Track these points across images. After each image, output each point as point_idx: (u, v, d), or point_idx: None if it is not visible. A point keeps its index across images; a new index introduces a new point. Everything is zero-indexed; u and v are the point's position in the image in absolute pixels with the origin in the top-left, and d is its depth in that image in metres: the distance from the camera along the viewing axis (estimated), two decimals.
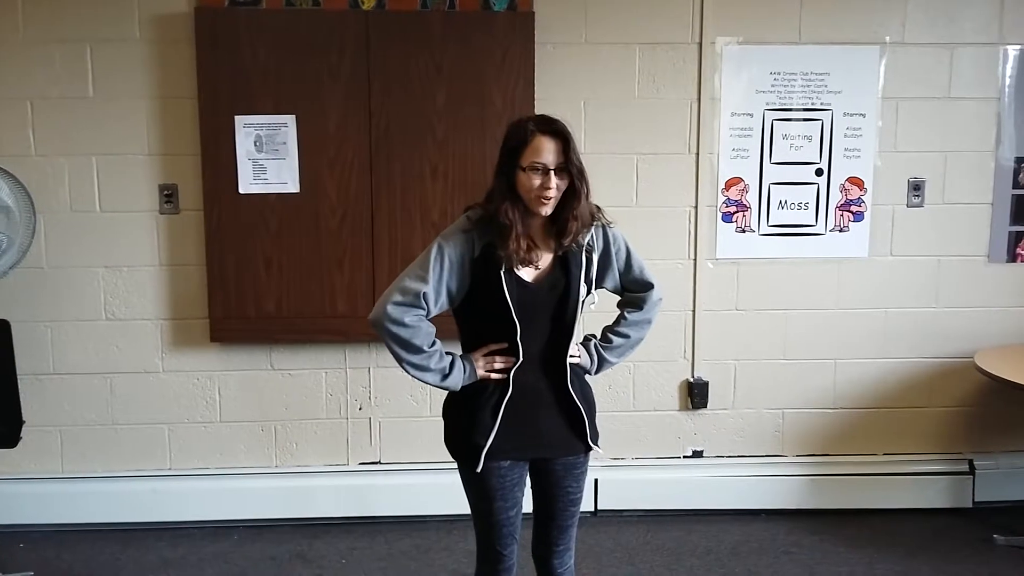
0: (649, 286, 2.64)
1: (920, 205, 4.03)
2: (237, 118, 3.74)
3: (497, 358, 2.49)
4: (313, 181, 3.79)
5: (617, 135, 3.91)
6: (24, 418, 3.47)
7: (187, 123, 3.79)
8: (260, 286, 3.84)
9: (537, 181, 2.38)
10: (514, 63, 3.76)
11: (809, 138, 3.96)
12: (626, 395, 4.06)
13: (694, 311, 4.05)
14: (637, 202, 3.96)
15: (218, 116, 3.74)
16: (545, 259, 2.50)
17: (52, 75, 3.76)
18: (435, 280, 2.44)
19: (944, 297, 4.09)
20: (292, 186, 3.79)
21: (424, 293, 2.43)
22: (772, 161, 3.97)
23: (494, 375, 2.49)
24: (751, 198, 3.99)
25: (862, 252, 4.04)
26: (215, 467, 4.03)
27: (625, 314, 2.66)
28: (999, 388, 3.86)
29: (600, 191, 3.90)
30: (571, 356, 2.53)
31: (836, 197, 4.00)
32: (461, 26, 3.74)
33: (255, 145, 3.76)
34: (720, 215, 4.00)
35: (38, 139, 3.79)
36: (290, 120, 3.76)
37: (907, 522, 4.06)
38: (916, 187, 4.02)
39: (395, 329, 2.47)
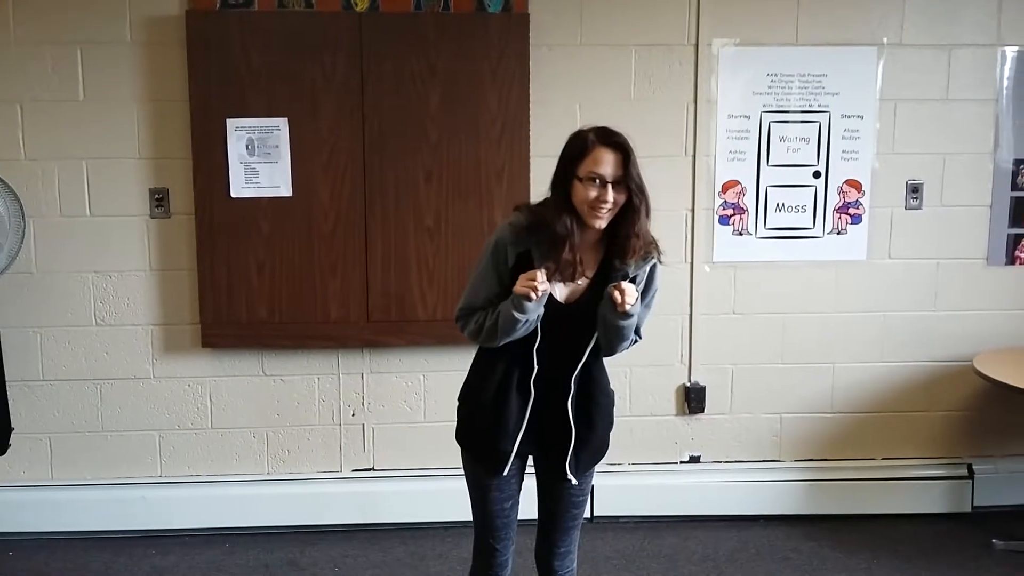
0: (638, 333, 2.57)
1: (918, 207, 4.01)
2: (229, 121, 3.70)
3: (536, 276, 2.34)
4: (306, 185, 3.76)
5: None
6: (13, 425, 3.45)
7: (178, 126, 3.75)
8: (252, 291, 3.80)
9: (594, 193, 2.34)
10: (509, 65, 3.73)
11: (807, 140, 3.93)
12: (622, 400, 4.03)
13: (691, 315, 4.02)
14: None
15: (210, 119, 3.70)
16: (583, 280, 2.47)
17: (42, 78, 3.72)
18: (485, 294, 2.48)
19: (943, 300, 4.07)
20: (284, 190, 3.75)
21: (475, 307, 2.50)
22: (769, 163, 3.95)
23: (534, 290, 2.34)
24: (748, 201, 3.96)
25: (860, 255, 4.02)
26: (207, 474, 3.99)
27: None
28: (998, 392, 3.84)
29: None
30: (628, 304, 2.37)
31: (834, 200, 3.98)
32: (455, 28, 3.71)
33: (247, 148, 3.72)
34: (717, 218, 3.97)
35: (28, 142, 3.75)
36: (282, 123, 3.72)
37: (906, 527, 4.04)
38: (914, 189, 4.00)
39: (468, 334, 2.53)
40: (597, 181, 2.34)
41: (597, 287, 2.45)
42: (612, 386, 2.66)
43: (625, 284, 2.37)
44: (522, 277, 2.35)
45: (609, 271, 2.45)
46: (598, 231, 2.41)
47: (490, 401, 2.52)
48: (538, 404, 2.50)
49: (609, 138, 2.38)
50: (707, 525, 4.05)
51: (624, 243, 2.41)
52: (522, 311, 2.35)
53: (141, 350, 3.90)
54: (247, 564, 3.75)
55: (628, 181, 2.36)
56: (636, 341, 2.57)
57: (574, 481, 2.57)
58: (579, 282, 2.46)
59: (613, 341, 2.48)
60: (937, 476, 4.15)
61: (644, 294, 2.50)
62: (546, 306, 2.41)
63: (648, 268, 2.49)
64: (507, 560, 2.67)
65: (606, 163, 2.35)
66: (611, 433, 2.67)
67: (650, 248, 2.47)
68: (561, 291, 2.46)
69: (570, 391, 2.50)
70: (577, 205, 2.37)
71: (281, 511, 3.99)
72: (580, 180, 2.36)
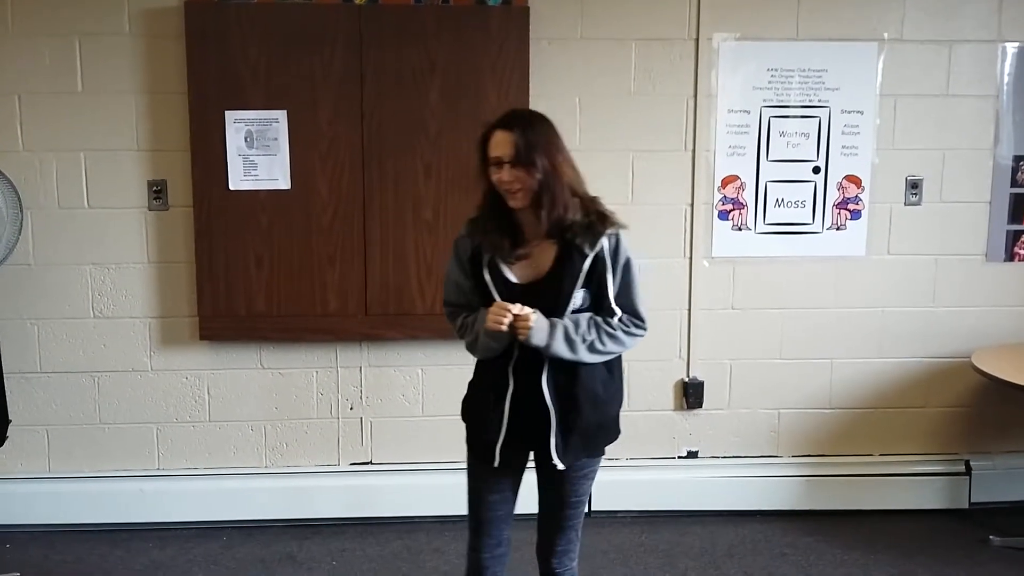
0: (638, 317, 2.53)
1: (918, 203, 4.01)
2: (227, 113, 3.69)
3: (506, 313, 2.39)
4: (304, 177, 3.75)
5: (612, 132, 3.88)
6: (11, 417, 3.44)
7: (177, 118, 3.74)
8: (250, 284, 3.79)
9: (496, 175, 2.43)
10: (509, 59, 3.72)
11: (806, 135, 3.93)
12: None
13: (689, 310, 4.01)
14: (632, 199, 3.92)
15: (208, 111, 3.69)
16: (545, 257, 2.47)
17: (41, 69, 3.71)
18: (455, 293, 2.60)
19: (941, 296, 4.07)
20: (283, 182, 3.75)
21: (452, 301, 2.63)
22: (769, 159, 3.94)
23: (494, 326, 2.41)
24: (747, 196, 3.96)
25: (859, 251, 4.01)
26: (204, 467, 3.98)
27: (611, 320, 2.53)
28: (996, 388, 3.84)
29: (595, 188, 3.89)
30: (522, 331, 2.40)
31: (833, 195, 3.97)
32: (455, 21, 3.70)
33: (246, 141, 3.71)
34: (716, 213, 3.96)
35: (26, 134, 3.74)
36: (281, 115, 3.71)
37: (903, 523, 4.04)
38: (914, 185, 3.99)
39: (455, 331, 2.64)
40: (496, 163, 2.42)
41: (559, 265, 2.45)
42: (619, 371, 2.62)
43: (498, 309, 2.39)
44: (495, 307, 2.40)
45: (569, 248, 2.45)
46: (532, 208, 2.44)
47: (478, 391, 2.60)
48: (520, 392, 2.50)
49: (503, 119, 2.46)
50: (704, 520, 4.05)
51: (544, 218, 2.43)
52: (495, 341, 2.45)
53: (139, 343, 3.89)
54: (245, 557, 3.75)
55: (522, 159, 2.38)
56: (633, 333, 2.51)
57: (560, 466, 2.50)
58: (537, 264, 2.47)
59: (594, 358, 2.48)
60: (934, 472, 4.15)
61: (613, 271, 2.47)
62: (506, 290, 2.46)
63: (608, 243, 2.46)
64: (496, 557, 2.67)
65: (499, 144, 2.42)
66: (616, 417, 2.61)
67: (594, 222, 2.46)
68: (520, 273, 2.48)
69: (540, 374, 2.47)
70: (499, 190, 2.45)
71: (279, 504, 3.98)
72: (490, 166, 2.45)
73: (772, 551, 3.81)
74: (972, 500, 4.15)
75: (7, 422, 3.42)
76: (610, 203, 3.88)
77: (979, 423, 4.16)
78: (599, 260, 2.45)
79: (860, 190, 3.98)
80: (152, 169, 3.79)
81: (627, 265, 2.50)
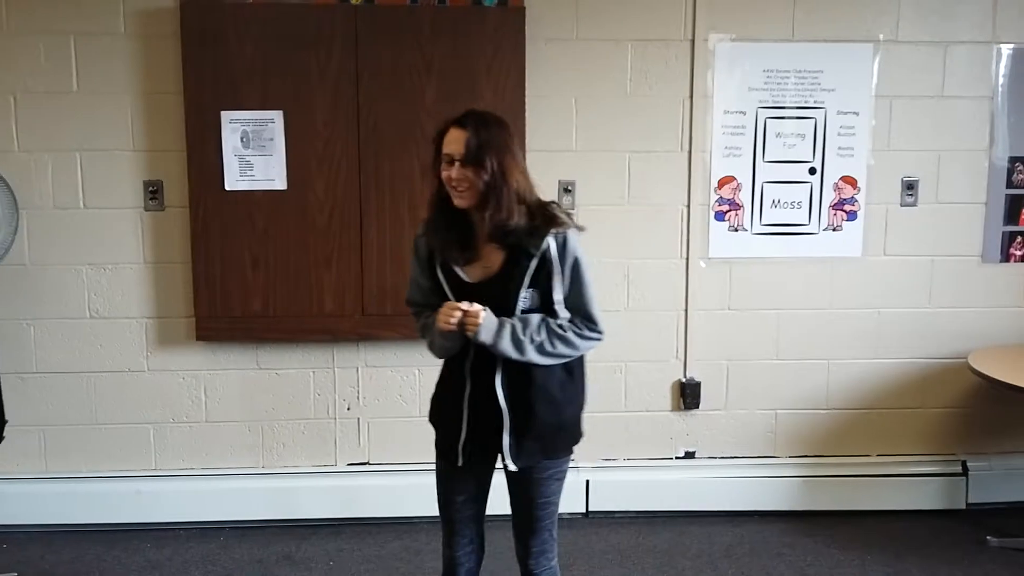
0: (591, 320, 2.50)
1: (914, 204, 4.01)
2: (223, 113, 3.69)
3: (456, 311, 2.40)
4: (301, 178, 3.75)
5: (609, 132, 3.88)
6: (7, 417, 3.44)
7: (173, 118, 3.74)
8: (246, 284, 3.79)
9: (445, 172, 2.43)
10: (505, 59, 3.72)
11: (802, 136, 3.93)
12: (617, 395, 4.03)
13: (686, 311, 4.02)
14: (629, 200, 3.93)
15: (204, 111, 3.69)
16: (495, 258, 2.47)
17: (36, 68, 3.70)
18: (416, 291, 2.62)
19: (937, 297, 4.07)
20: (279, 183, 3.74)
21: (415, 300, 2.64)
22: (765, 159, 3.94)
23: (444, 325, 2.42)
24: (744, 197, 3.96)
25: (855, 251, 4.02)
26: (201, 468, 3.98)
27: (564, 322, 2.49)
28: (992, 389, 3.84)
29: (591, 188, 3.93)
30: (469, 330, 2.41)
31: (829, 196, 3.97)
32: (451, 21, 3.70)
33: (242, 141, 3.71)
34: (713, 214, 3.96)
35: (21, 134, 3.74)
36: (277, 116, 3.71)
37: (900, 523, 4.04)
38: (910, 186, 4.00)
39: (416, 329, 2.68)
40: (447, 160, 2.42)
41: (507, 262, 2.45)
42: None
43: (448, 309, 2.40)
44: (445, 306, 2.41)
45: (515, 249, 2.44)
46: (479, 209, 2.43)
47: (440, 391, 2.65)
48: (478, 392, 2.50)
49: (459, 117, 2.45)
50: (702, 521, 4.05)
51: (489, 220, 2.42)
52: (447, 340, 2.47)
53: (135, 343, 3.89)
54: (241, 558, 3.74)
55: (472, 158, 2.37)
56: (587, 336, 2.48)
57: (512, 467, 2.49)
58: (488, 264, 2.46)
59: (546, 360, 2.46)
60: (931, 473, 4.15)
61: (561, 270, 2.44)
62: (457, 289, 2.47)
63: (555, 242, 2.43)
64: (461, 555, 2.68)
65: (453, 141, 2.41)
66: (577, 419, 2.59)
67: (538, 225, 2.43)
68: (472, 273, 2.48)
69: (494, 374, 2.47)
70: (447, 187, 2.45)
71: (276, 505, 3.98)
72: (442, 163, 2.45)
73: (769, 551, 3.81)
74: (969, 501, 4.15)
75: (4, 422, 3.41)
76: (606, 204, 3.94)
77: (976, 424, 4.16)
78: (546, 260, 2.43)
79: (856, 191, 3.98)
80: (148, 169, 3.79)
81: (576, 265, 2.46)
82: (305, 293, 3.81)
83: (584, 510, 4.05)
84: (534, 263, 2.43)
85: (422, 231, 2.56)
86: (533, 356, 2.43)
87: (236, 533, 3.93)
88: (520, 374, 2.46)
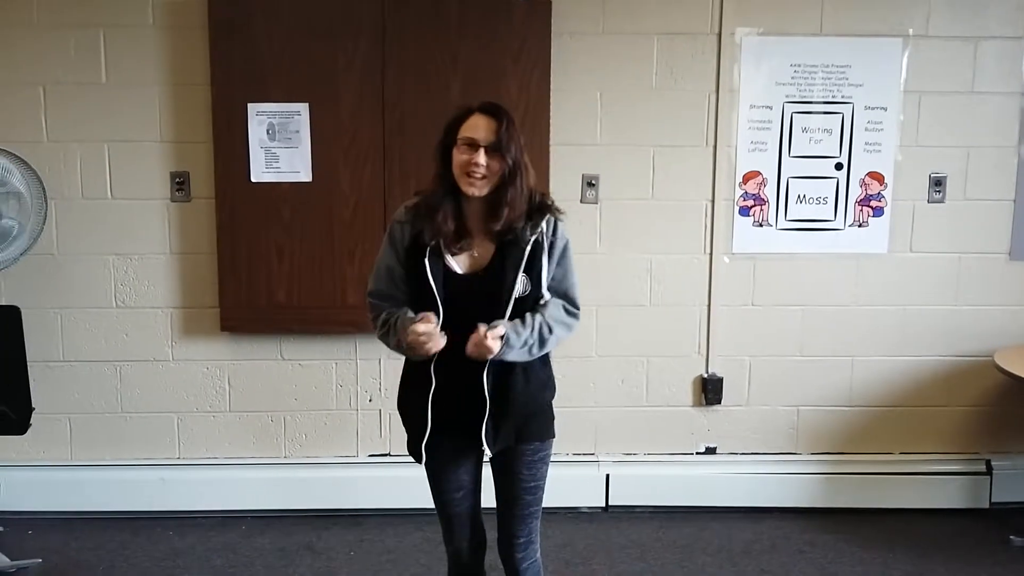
0: (573, 304, 2.52)
1: (941, 201, 3.98)
2: (250, 105, 3.71)
3: (420, 324, 2.34)
4: (326, 171, 3.76)
5: (634, 126, 3.87)
6: (34, 405, 3.47)
7: (200, 110, 3.76)
8: (271, 276, 3.81)
9: (465, 156, 2.38)
10: (531, 53, 3.71)
11: (829, 131, 3.90)
12: (639, 390, 4.02)
13: (709, 306, 4.00)
14: (653, 195, 3.91)
15: (231, 103, 3.71)
16: (484, 249, 2.46)
17: (65, 61, 3.73)
18: (385, 280, 2.51)
19: (964, 295, 4.04)
20: (305, 175, 3.76)
21: (383, 292, 2.52)
22: (791, 155, 3.92)
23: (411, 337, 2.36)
24: (769, 192, 3.94)
25: (881, 248, 3.99)
26: (224, 457, 4.01)
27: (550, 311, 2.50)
28: (1018, 387, 3.81)
29: (615, 182, 3.92)
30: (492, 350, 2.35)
31: (856, 192, 3.95)
32: (478, 15, 3.70)
33: (268, 133, 3.73)
34: (737, 209, 3.95)
35: (50, 125, 3.77)
36: (303, 108, 3.72)
37: (923, 522, 4.02)
38: (937, 183, 3.96)
39: (374, 326, 2.55)
40: (470, 145, 2.37)
41: (500, 252, 2.44)
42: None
43: (479, 335, 2.32)
44: (417, 326, 2.32)
45: (507, 238, 2.43)
46: (485, 201, 2.41)
47: (402, 390, 2.65)
48: (453, 380, 2.45)
49: (487, 106, 2.43)
50: (722, 516, 4.04)
51: (497, 212, 2.40)
52: (416, 357, 2.42)
53: (161, 333, 3.92)
54: (263, 547, 3.77)
55: (501, 148, 2.36)
56: (566, 322, 2.50)
57: (488, 452, 2.49)
58: (477, 253, 2.45)
59: (545, 350, 2.49)
60: (955, 472, 4.12)
61: (551, 254, 2.47)
62: (449, 280, 2.43)
63: (545, 227, 2.45)
64: (465, 549, 2.68)
65: (480, 128, 2.38)
66: (549, 403, 2.60)
67: (527, 214, 2.43)
68: (463, 263, 2.46)
69: (485, 363, 2.41)
70: (455, 172, 2.40)
71: (298, 495, 4.01)
72: (457, 146, 2.40)
73: (790, 548, 3.80)
74: (993, 500, 4.12)
75: (30, 410, 3.44)
76: (630, 198, 3.93)
77: (1001, 422, 4.13)
78: (538, 244, 2.45)
79: (883, 187, 3.95)
80: (175, 160, 3.81)
81: (565, 250, 2.51)
82: (329, 285, 3.82)
83: (604, 504, 4.05)
84: (528, 248, 2.43)
85: (405, 217, 2.48)
86: (537, 353, 2.47)
87: (258, 522, 3.96)
88: (502, 364, 2.44)
